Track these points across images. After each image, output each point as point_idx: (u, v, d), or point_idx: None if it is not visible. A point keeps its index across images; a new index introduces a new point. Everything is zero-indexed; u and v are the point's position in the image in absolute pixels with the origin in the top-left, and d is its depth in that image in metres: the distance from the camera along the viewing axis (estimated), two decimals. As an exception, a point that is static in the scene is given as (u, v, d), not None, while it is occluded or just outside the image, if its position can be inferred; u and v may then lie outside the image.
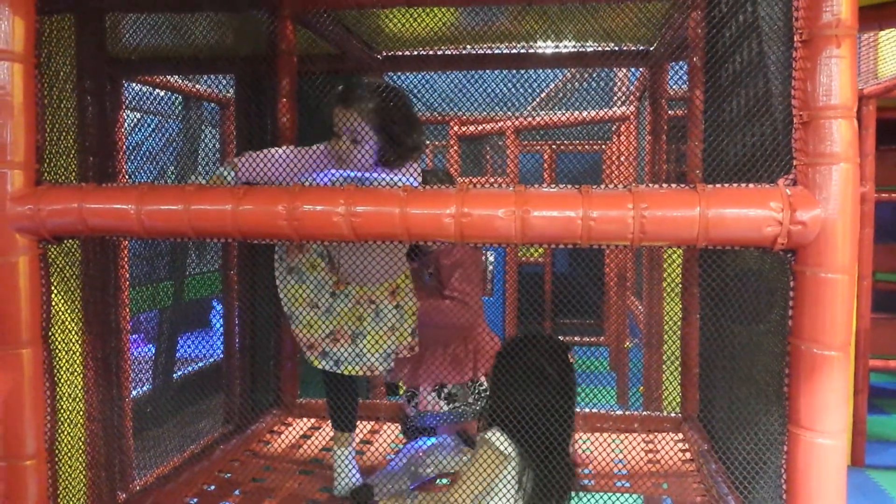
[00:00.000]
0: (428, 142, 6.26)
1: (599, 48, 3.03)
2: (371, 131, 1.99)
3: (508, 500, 1.74)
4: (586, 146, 6.74)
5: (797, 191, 1.31)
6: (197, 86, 3.69)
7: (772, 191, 1.32)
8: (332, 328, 2.06)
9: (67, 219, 1.44)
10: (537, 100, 4.41)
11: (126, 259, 2.94)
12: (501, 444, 1.74)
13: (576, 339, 7.17)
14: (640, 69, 3.71)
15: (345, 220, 1.40)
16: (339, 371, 2.07)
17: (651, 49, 2.98)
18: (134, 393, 3.23)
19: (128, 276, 2.96)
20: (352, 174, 1.97)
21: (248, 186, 1.46)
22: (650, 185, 2.89)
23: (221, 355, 4.02)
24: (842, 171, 1.29)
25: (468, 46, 3.11)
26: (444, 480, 2.20)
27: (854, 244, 1.32)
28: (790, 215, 1.29)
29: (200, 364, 4.30)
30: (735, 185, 1.38)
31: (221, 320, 3.97)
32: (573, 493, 1.80)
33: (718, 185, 1.36)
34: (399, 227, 1.39)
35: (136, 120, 3.60)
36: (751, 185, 1.36)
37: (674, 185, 1.38)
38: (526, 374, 1.76)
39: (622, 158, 5.14)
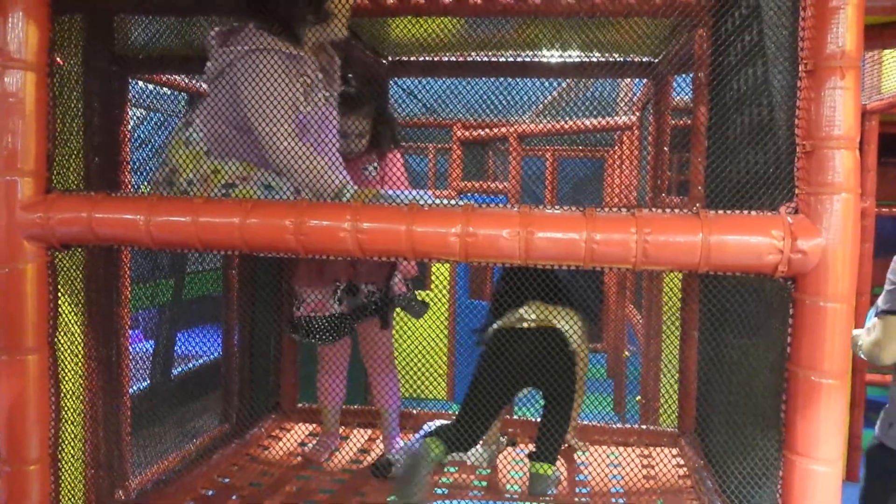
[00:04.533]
0: (430, 144, 6.30)
1: (604, 58, 3.04)
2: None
3: None
4: (589, 152, 6.76)
5: (798, 219, 1.33)
6: (201, 84, 3.70)
7: (774, 219, 1.34)
8: None
9: (76, 228, 1.46)
10: (541, 105, 4.42)
11: (128, 258, 2.95)
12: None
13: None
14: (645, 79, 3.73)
15: (350, 236, 1.41)
16: None
17: (656, 61, 2.99)
18: (132, 389, 3.24)
19: (129, 274, 2.97)
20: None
21: (255, 200, 1.47)
22: (652, 208, 2.94)
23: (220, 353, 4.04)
24: (843, 201, 1.31)
25: (474, 54, 3.12)
26: (453, 469, 2.26)
27: (853, 274, 1.33)
28: (791, 244, 1.31)
29: (200, 361, 4.32)
30: (737, 210, 1.40)
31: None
32: None
33: (721, 212, 1.38)
34: (404, 245, 1.41)
35: (140, 117, 3.61)
36: (753, 213, 1.37)
37: (677, 210, 1.40)
38: None
39: (624, 168, 5.16)
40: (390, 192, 2.01)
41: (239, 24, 1.92)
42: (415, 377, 3.76)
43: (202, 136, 1.89)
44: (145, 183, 3.45)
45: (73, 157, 2.24)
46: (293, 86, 1.86)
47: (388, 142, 2.44)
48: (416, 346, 3.10)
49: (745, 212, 1.38)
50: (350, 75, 2.29)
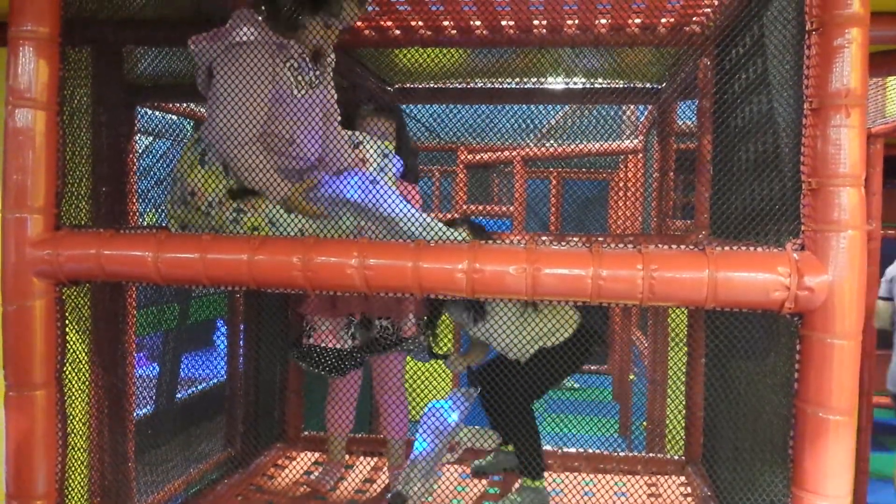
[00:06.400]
0: (435, 167, 6.32)
1: (609, 85, 3.06)
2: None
3: None
4: (593, 174, 6.77)
5: (805, 256, 1.33)
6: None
7: (780, 255, 1.34)
8: None
9: (85, 264, 1.47)
10: (545, 127, 4.44)
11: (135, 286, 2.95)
12: None
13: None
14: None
15: (358, 273, 1.42)
16: None
17: (661, 88, 3.01)
18: (137, 413, 3.23)
19: (135, 301, 2.98)
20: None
21: (263, 237, 1.48)
22: (658, 234, 2.94)
23: (224, 378, 4.04)
24: (849, 238, 1.31)
25: (479, 81, 3.14)
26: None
27: (861, 310, 1.33)
28: (798, 280, 1.31)
29: (203, 385, 4.31)
30: (742, 240, 1.40)
31: (225, 340, 3.98)
32: None
33: (727, 248, 1.38)
34: (411, 281, 1.42)
35: (147, 144, 3.63)
36: (759, 249, 1.38)
37: (682, 246, 1.40)
38: None
39: (629, 190, 5.17)
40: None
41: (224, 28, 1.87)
42: (423, 400, 3.74)
43: (216, 153, 1.86)
44: (151, 210, 3.47)
45: (82, 187, 2.25)
46: (283, 73, 1.84)
47: (407, 169, 2.41)
48: (424, 369, 3.09)
49: (751, 248, 1.38)
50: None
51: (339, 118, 2.07)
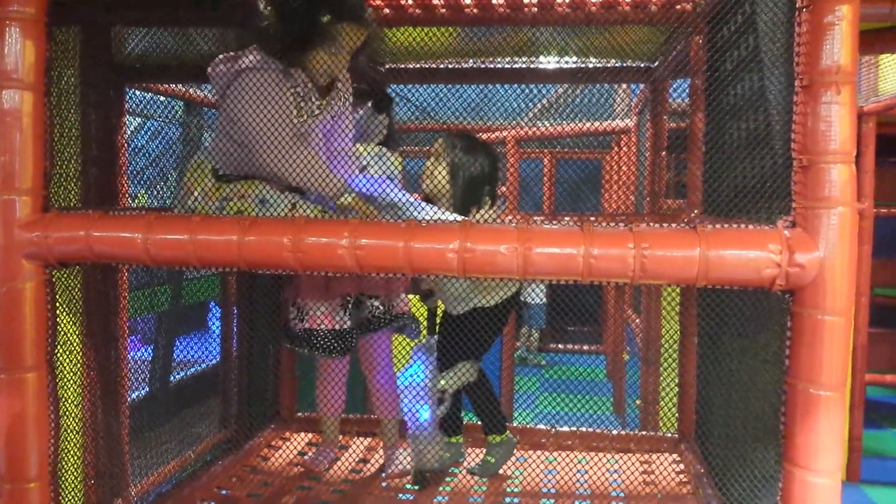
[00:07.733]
0: (428, 147, 6.29)
1: (602, 64, 3.05)
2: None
3: None
4: (586, 154, 6.77)
5: (796, 233, 1.33)
6: (198, 91, 3.70)
7: (771, 233, 1.34)
8: None
9: (74, 246, 1.46)
10: (538, 107, 4.43)
11: (126, 268, 2.94)
12: None
13: (572, 346, 7.20)
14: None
15: (349, 253, 1.42)
16: None
17: (653, 66, 2.99)
18: (131, 396, 3.24)
19: (127, 282, 2.97)
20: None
21: (253, 218, 1.47)
22: (651, 213, 2.93)
23: (218, 359, 4.04)
24: (840, 215, 1.31)
25: (471, 60, 3.12)
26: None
27: (851, 287, 1.33)
28: (789, 257, 1.31)
29: (196, 368, 4.32)
30: (734, 218, 1.40)
31: (219, 323, 3.99)
32: None
33: (718, 226, 1.38)
34: (402, 261, 1.41)
35: (137, 125, 3.61)
36: (750, 227, 1.38)
37: (674, 225, 1.40)
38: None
39: (622, 170, 5.16)
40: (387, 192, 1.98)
41: (237, 53, 1.98)
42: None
43: (210, 157, 1.99)
44: (143, 192, 3.45)
45: (71, 168, 2.24)
46: (285, 98, 1.94)
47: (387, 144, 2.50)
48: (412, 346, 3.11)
49: (743, 226, 1.38)
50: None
51: (351, 142, 2.17)
